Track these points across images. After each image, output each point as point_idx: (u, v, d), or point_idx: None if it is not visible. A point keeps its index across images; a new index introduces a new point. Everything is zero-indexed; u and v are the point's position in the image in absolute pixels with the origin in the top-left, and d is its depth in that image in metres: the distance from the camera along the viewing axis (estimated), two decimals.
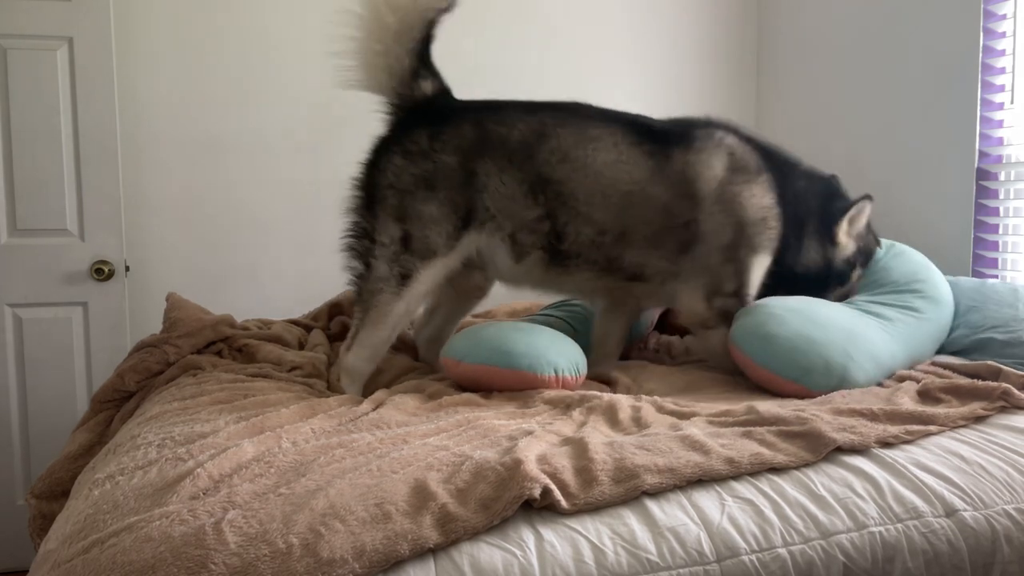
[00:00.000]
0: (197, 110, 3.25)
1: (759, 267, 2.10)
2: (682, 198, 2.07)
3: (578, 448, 1.40)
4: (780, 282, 2.12)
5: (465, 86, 3.47)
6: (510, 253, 2.11)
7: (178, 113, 3.23)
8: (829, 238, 2.17)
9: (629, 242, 2.09)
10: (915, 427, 1.54)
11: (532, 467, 1.28)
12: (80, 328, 3.05)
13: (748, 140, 2.17)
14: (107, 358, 3.02)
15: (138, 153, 3.19)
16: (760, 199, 2.09)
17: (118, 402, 2.22)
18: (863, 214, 2.20)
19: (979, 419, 1.64)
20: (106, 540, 1.14)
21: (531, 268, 2.14)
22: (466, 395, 1.87)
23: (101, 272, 3.01)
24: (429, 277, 2.06)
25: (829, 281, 2.20)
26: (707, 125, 2.16)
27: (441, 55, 3.46)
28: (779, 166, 2.17)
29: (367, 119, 3.40)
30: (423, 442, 1.47)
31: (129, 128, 3.16)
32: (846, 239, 2.18)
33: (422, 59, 2.12)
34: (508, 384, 1.91)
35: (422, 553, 1.13)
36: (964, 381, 1.80)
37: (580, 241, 2.08)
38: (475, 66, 3.48)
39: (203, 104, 3.26)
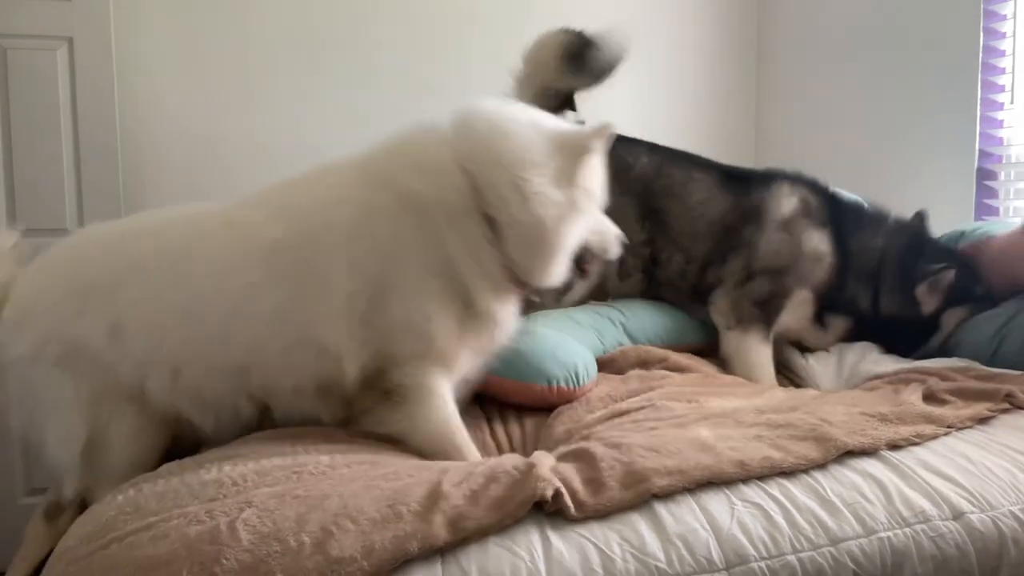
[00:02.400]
0: (197, 110, 3.25)
1: (799, 297, 2.30)
2: (750, 223, 2.34)
3: (585, 457, 1.39)
4: (867, 326, 2.31)
5: (465, 81, 3.48)
6: (616, 271, 2.37)
7: (178, 113, 3.22)
8: (909, 294, 2.29)
9: (705, 269, 2.36)
10: (925, 429, 1.54)
11: (545, 470, 1.29)
12: None
13: (828, 198, 2.41)
14: None
15: (138, 153, 3.19)
16: (817, 244, 2.30)
17: None
18: (944, 282, 2.26)
19: (984, 420, 1.64)
20: (124, 538, 1.17)
21: (632, 288, 2.42)
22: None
23: None
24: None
25: (916, 326, 2.29)
26: (792, 178, 2.42)
27: (439, 50, 3.48)
28: (852, 221, 2.37)
29: (367, 120, 3.40)
30: None
31: (129, 128, 3.15)
32: (926, 299, 2.28)
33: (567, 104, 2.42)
34: (505, 392, 1.89)
35: (431, 554, 1.14)
36: (969, 383, 1.81)
37: (671, 268, 2.37)
38: (476, 62, 3.50)
39: (203, 104, 3.25)
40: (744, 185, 2.41)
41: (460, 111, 1.66)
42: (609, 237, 1.77)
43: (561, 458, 1.43)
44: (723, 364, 2.30)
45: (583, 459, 1.39)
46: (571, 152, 1.61)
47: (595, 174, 1.67)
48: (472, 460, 1.56)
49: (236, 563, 1.09)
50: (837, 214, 2.36)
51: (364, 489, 1.26)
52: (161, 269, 1.63)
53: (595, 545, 1.19)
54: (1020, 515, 1.34)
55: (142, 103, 3.19)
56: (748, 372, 2.22)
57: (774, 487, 1.33)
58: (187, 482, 1.35)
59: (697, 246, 2.36)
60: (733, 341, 2.27)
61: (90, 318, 1.60)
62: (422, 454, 1.56)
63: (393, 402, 1.60)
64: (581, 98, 2.52)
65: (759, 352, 2.26)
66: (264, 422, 1.66)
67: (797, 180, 2.41)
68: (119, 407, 1.62)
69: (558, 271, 1.67)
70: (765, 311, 2.28)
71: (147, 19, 3.17)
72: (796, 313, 2.32)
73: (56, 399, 1.63)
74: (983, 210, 2.81)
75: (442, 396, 1.63)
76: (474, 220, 1.58)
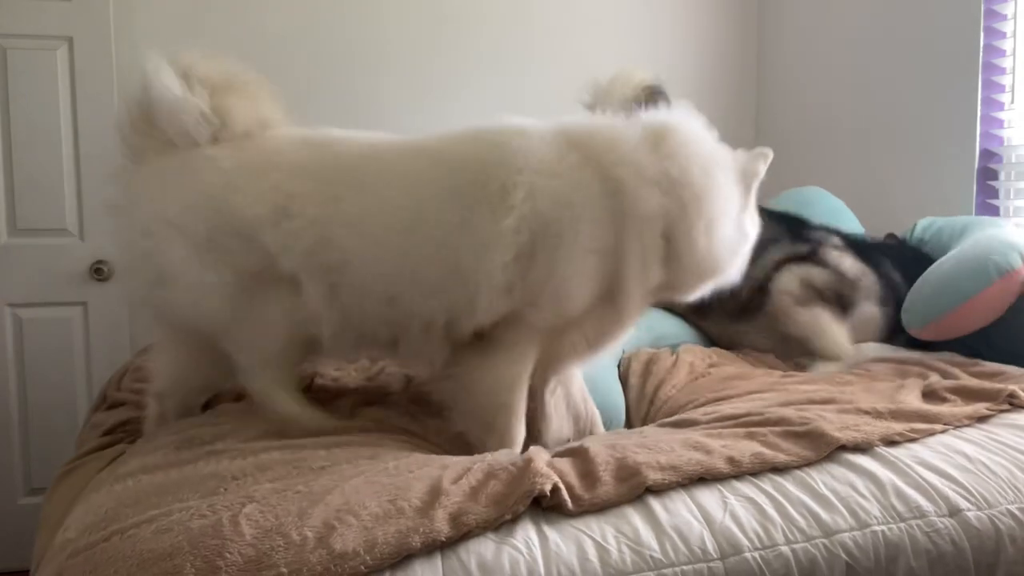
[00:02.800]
0: None
1: (866, 311, 2.39)
2: (809, 245, 2.48)
3: (580, 454, 1.40)
4: None
5: (467, 81, 3.49)
6: None
7: None
8: None
9: (759, 288, 2.43)
10: (919, 425, 1.54)
11: (542, 465, 1.30)
12: (80, 328, 3.05)
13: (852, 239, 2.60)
14: (107, 358, 3.01)
15: None
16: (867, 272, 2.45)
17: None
18: None
19: (983, 418, 1.63)
20: (126, 531, 1.17)
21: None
22: None
23: (101, 272, 3.01)
24: None
25: None
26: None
27: (442, 50, 3.49)
28: (873, 251, 2.54)
29: (368, 120, 3.40)
30: (441, 449, 1.50)
31: None
32: None
33: None
34: None
35: (431, 548, 1.15)
36: (971, 382, 1.80)
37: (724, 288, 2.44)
38: (477, 63, 3.50)
39: None
40: (796, 223, 2.54)
41: (668, 127, 1.63)
42: None
43: (557, 455, 1.44)
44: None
45: (578, 455, 1.40)
46: (746, 182, 1.65)
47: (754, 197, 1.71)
48: (512, 441, 1.61)
49: (240, 557, 1.09)
50: (865, 249, 2.53)
51: (365, 484, 1.27)
52: (339, 176, 1.64)
53: (591, 538, 1.20)
54: (1018, 514, 1.34)
55: None
56: (832, 347, 2.29)
57: (766, 482, 1.34)
58: (186, 475, 1.36)
59: (755, 269, 2.38)
60: (808, 316, 2.35)
61: (262, 204, 1.61)
62: (472, 409, 1.61)
63: (480, 346, 1.62)
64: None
65: (838, 327, 2.34)
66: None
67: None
68: (267, 291, 1.63)
69: (705, 292, 1.72)
70: (836, 301, 2.37)
71: (147, 19, 3.18)
72: (867, 330, 2.38)
73: (193, 281, 1.63)
74: (984, 210, 2.80)
75: (526, 362, 1.64)
76: (658, 235, 1.57)
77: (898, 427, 1.52)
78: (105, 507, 1.28)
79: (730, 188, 1.62)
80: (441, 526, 1.16)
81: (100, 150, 2.98)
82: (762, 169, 1.67)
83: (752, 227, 1.69)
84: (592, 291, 1.58)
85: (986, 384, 1.77)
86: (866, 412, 1.58)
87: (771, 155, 1.67)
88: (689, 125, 1.65)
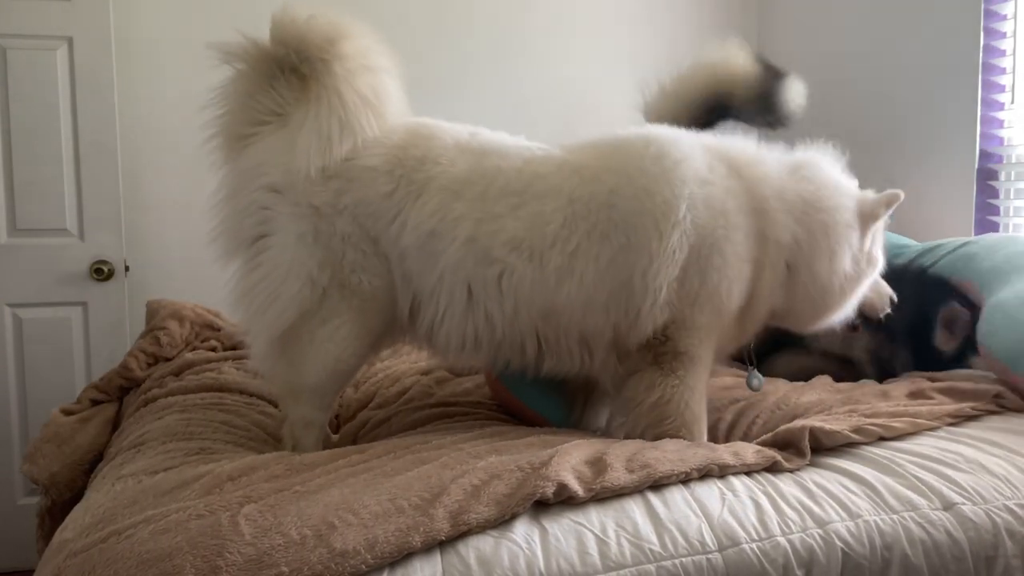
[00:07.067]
0: (197, 110, 3.24)
1: None
2: None
3: (591, 452, 1.40)
4: None
5: (463, 81, 3.48)
6: None
7: (178, 113, 3.22)
8: None
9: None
10: (894, 422, 1.55)
11: (553, 469, 1.29)
12: (80, 328, 3.05)
13: None
14: (107, 358, 3.01)
15: (138, 153, 3.19)
16: None
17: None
18: None
19: (971, 418, 1.64)
20: (123, 531, 1.18)
21: None
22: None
23: (101, 272, 3.01)
24: None
25: None
26: None
27: (437, 50, 3.49)
28: None
29: None
30: (438, 450, 1.49)
31: (129, 128, 3.15)
32: None
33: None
34: (528, 420, 1.84)
35: (431, 546, 1.15)
36: (960, 383, 1.80)
37: None
38: (474, 61, 3.50)
39: (203, 104, 3.25)
40: None
41: (807, 157, 1.76)
42: (883, 298, 1.85)
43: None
44: None
45: (591, 453, 1.41)
46: (864, 221, 1.73)
47: (879, 238, 1.79)
48: (702, 437, 1.66)
49: (240, 556, 1.10)
50: None
51: (364, 485, 1.27)
52: (499, 195, 1.61)
53: (591, 531, 1.20)
54: (1016, 510, 1.35)
55: (142, 103, 3.19)
56: None
57: (762, 481, 1.37)
58: (183, 476, 1.37)
59: None
60: None
61: (399, 199, 1.60)
62: (673, 420, 1.62)
63: (665, 369, 1.64)
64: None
65: None
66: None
67: None
68: (343, 304, 1.62)
69: (816, 328, 1.80)
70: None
71: (147, 19, 3.18)
72: None
73: (287, 266, 1.60)
74: (984, 210, 2.80)
75: (708, 369, 1.71)
76: (783, 262, 1.68)
77: (871, 420, 1.55)
78: (103, 507, 1.28)
79: (852, 222, 1.70)
80: (441, 524, 1.16)
81: (100, 150, 2.99)
82: (883, 213, 1.74)
83: (870, 270, 1.76)
84: (742, 296, 1.65)
85: (975, 386, 1.78)
86: (849, 413, 1.64)
87: (901, 197, 1.74)
88: (824, 159, 1.76)
